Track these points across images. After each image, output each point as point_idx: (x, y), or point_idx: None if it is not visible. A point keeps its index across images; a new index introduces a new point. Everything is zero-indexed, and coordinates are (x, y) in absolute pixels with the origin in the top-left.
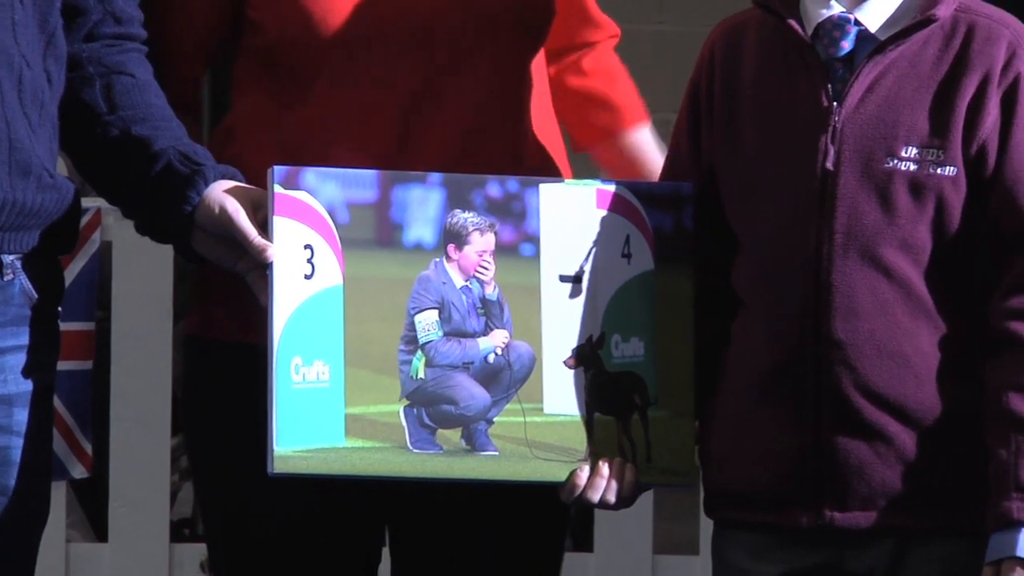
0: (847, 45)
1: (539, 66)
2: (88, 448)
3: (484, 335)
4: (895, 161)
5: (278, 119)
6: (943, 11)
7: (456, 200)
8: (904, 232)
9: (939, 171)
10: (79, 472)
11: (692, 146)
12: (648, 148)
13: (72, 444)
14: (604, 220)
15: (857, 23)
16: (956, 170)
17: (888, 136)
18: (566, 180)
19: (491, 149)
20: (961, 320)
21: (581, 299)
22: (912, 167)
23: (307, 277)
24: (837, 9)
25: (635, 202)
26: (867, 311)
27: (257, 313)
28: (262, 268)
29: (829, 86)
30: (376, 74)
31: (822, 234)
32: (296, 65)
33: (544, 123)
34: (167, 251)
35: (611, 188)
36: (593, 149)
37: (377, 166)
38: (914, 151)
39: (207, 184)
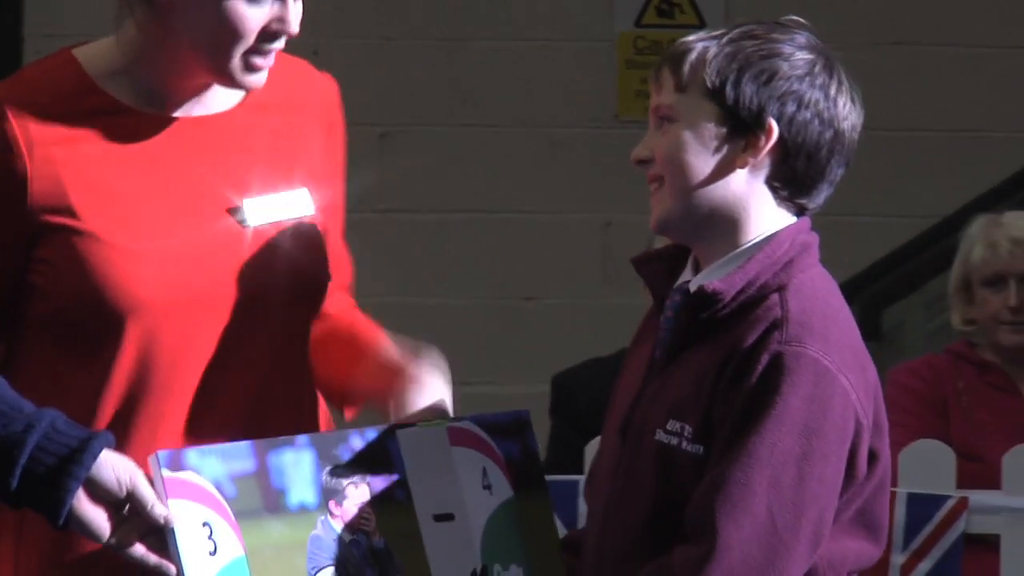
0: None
1: None
2: None
3: None
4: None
5: (62, 381)
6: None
7: (326, 457)
8: None
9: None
10: None
11: None
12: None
13: None
14: (460, 456)
15: None
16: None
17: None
18: (419, 423)
19: (280, 405)
20: None
21: (458, 535)
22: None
23: (211, 554)
24: None
25: (483, 434)
26: None
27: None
28: (156, 537)
29: None
30: (169, 343)
31: None
32: (87, 331)
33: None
34: None
35: (459, 424)
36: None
37: (174, 429)
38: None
39: (86, 470)
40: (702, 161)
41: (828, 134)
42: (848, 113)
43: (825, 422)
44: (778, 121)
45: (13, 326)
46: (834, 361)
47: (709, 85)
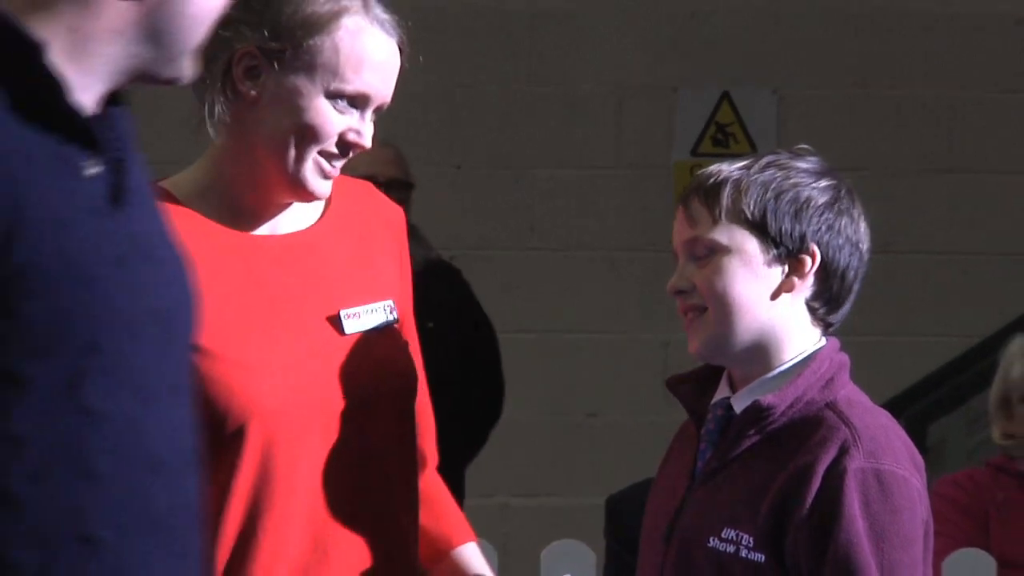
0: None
1: None
2: None
3: None
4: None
5: None
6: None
7: None
8: None
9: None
10: None
11: None
12: (476, 563)
13: None
14: None
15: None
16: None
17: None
18: None
19: (393, 492)
20: None
21: None
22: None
23: None
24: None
25: None
26: None
27: None
28: None
29: None
30: (286, 446)
31: None
32: (210, 442)
33: None
34: None
35: None
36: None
37: (300, 525)
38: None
39: None
40: (751, 289)
41: (856, 256)
42: (865, 235)
43: (910, 517)
44: (818, 245)
45: None
46: (906, 469)
47: (749, 216)
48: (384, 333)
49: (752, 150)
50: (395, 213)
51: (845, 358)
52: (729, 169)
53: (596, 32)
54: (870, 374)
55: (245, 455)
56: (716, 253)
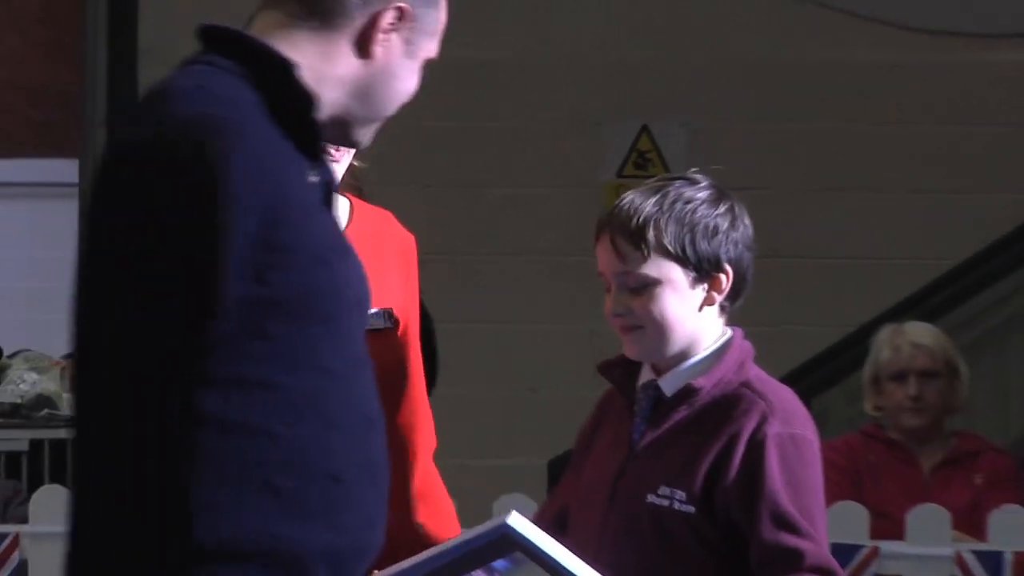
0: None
1: None
2: None
3: None
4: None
5: None
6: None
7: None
8: None
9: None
10: None
11: None
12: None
13: None
14: None
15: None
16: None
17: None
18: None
19: None
20: None
21: None
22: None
23: None
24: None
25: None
26: None
27: None
28: None
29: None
30: None
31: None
32: None
33: None
34: None
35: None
36: None
37: None
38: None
39: None
40: (680, 310)
41: (750, 256)
42: (752, 235)
43: (815, 471)
44: (729, 263)
45: None
46: (810, 433)
47: (672, 250)
48: (380, 335)
49: (666, 171)
50: (407, 240)
51: (750, 345)
52: (645, 208)
53: (539, 77)
54: (764, 357)
55: None
56: (648, 285)
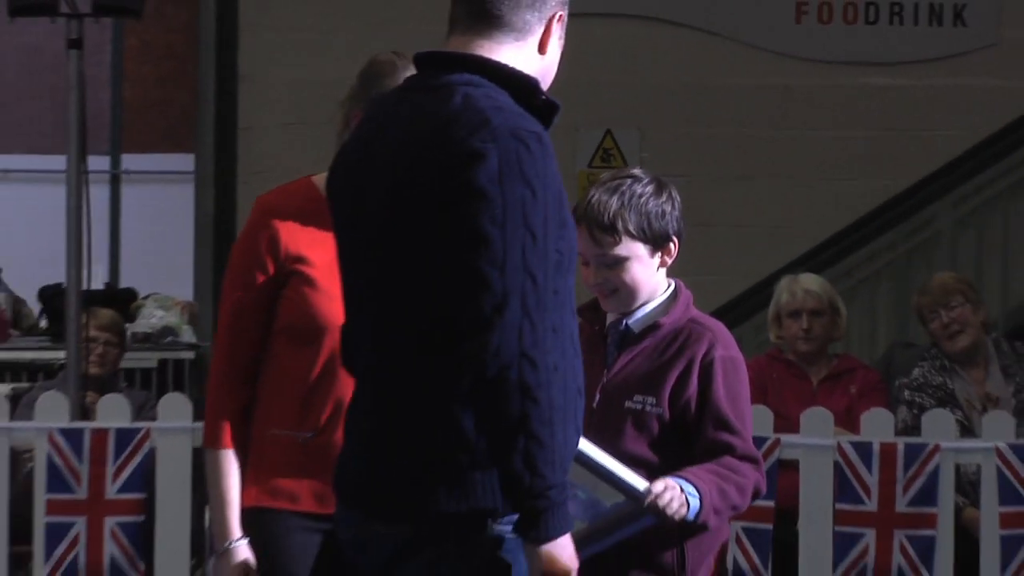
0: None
1: None
2: None
3: None
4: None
5: (291, 362)
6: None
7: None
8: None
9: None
10: None
11: None
12: None
13: None
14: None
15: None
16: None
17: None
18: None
19: None
20: None
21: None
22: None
23: None
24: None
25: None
26: None
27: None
28: None
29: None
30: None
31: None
32: (304, 336)
33: None
34: None
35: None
36: None
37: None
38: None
39: None
40: (645, 275)
41: (684, 224)
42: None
43: (746, 385)
44: (675, 234)
45: (268, 332)
46: (741, 355)
47: (635, 233)
48: None
49: (624, 163)
50: None
51: (690, 291)
52: (612, 206)
53: None
54: (698, 300)
55: (324, 346)
56: (620, 260)
